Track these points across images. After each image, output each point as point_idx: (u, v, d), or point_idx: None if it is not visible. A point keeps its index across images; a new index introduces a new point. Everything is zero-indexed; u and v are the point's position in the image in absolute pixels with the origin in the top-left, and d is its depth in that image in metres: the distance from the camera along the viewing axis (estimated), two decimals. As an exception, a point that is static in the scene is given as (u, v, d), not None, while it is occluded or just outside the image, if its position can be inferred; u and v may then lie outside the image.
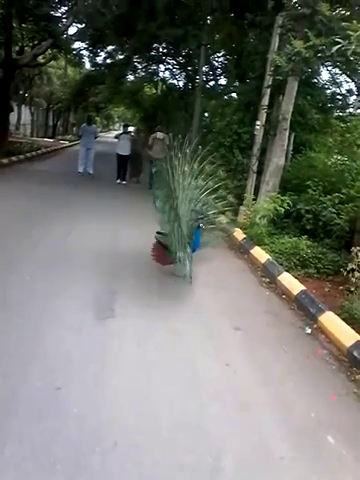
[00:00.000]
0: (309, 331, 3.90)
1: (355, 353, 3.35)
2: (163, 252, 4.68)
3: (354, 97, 9.93)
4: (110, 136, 24.55)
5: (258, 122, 7.61)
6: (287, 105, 6.92)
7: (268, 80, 7.28)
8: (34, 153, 16.03)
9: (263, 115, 7.55)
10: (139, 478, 2.09)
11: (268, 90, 7.42)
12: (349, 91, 10.11)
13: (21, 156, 14.17)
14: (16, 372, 2.75)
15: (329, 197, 6.12)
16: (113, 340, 3.33)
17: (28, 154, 15.11)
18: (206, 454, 2.28)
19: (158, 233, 4.79)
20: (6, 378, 2.68)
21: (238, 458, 2.29)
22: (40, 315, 3.57)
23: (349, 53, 4.33)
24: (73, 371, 2.85)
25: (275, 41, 7.21)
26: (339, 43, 4.42)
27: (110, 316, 3.70)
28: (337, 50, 4.38)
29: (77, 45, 19.58)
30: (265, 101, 7.53)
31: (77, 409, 2.48)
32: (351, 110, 10.19)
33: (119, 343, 3.30)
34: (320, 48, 5.21)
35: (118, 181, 11.65)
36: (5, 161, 12.42)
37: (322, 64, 8.68)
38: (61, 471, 2.05)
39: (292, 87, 6.79)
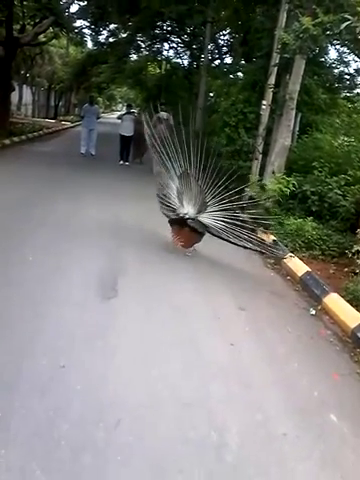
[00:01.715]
0: (313, 312, 3.89)
1: (359, 334, 3.35)
2: (185, 233, 4.68)
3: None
4: (112, 117, 24.29)
5: (264, 102, 7.49)
6: (294, 84, 6.78)
7: (275, 58, 7.14)
8: (36, 134, 15.87)
9: (269, 94, 7.42)
10: (143, 453, 2.10)
11: (275, 69, 7.28)
12: (357, 70, 9.95)
13: (23, 137, 14.04)
14: (21, 350, 2.76)
15: (335, 179, 6.03)
16: (116, 319, 3.34)
17: (30, 135, 14.97)
18: (210, 430, 2.29)
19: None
20: (11, 356, 2.69)
21: (242, 434, 2.30)
22: (44, 294, 3.57)
23: (358, 30, 4.20)
24: (77, 349, 2.85)
25: (283, 18, 7.03)
26: (348, 20, 4.28)
27: (113, 296, 3.69)
28: (346, 27, 4.26)
29: (79, 23, 19.12)
30: (271, 80, 7.39)
31: (81, 386, 2.49)
32: (359, 90, 10.03)
33: (123, 322, 3.30)
34: (328, 25, 5.07)
35: (121, 162, 11.54)
36: (7, 142, 12.31)
37: (330, 43, 8.48)
38: (66, 446, 2.07)
39: (299, 66, 6.65)
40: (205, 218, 4.73)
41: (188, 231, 4.79)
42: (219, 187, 4.61)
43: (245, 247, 4.73)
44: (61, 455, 2.03)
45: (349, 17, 4.48)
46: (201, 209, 4.73)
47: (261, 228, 4.79)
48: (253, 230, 4.68)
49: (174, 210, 4.87)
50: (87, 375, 2.60)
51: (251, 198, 5.02)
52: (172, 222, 4.91)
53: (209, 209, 4.72)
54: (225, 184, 4.59)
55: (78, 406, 2.34)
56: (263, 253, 4.79)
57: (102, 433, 2.18)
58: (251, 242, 4.64)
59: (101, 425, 2.23)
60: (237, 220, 4.65)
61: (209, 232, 4.81)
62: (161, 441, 2.19)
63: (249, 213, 4.74)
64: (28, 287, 3.65)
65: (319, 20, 4.89)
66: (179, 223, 4.80)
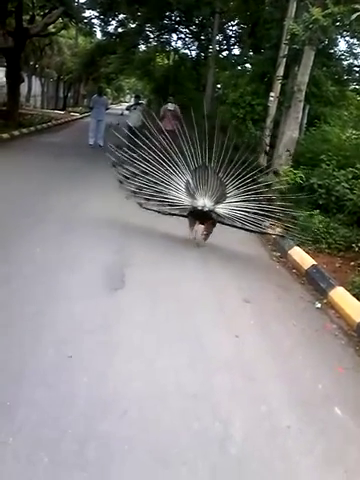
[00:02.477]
0: (319, 306, 3.89)
1: (365, 328, 3.35)
2: (208, 226, 4.87)
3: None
4: (121, 108, 24.19)
5: (272, 93, 7.44)
6: (303, 76, 6.72)
7: (284, 49, 7.07)
8: (45, 125, 15.88)
9: (278, 86, 7.37)
10: (149, 444, 2.13)
11: (283, 60, 7.21)
12: (367, 63, 9.80)
13: (32, 128, 14.07)
14: (27, 342, 2.79)
15: (343, 172, 5.99)
16: (123, 310, 3.37)
17: (39, 126, 14.98)
18: (214, 422, 2.31)
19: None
20: (17, 347, 2.72)
21: (246, 426, 2.32)
22: (51, 285, 3.60)
23: (370, 21, 4.16)
24: (84, 340, 2.88)
25: (292, 8, 6.95)
26: (358, 11, 4.22)
27: (120, 287, 3.72)
28: (357, 18, 4.20)
29: (88, 13, 19.07)
30: (280, 72, 7.34)
31: (87, 378, 2.51)
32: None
33: (129, 313, 3.33)
34: (339, 16, 5.02)
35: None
36: (16, 133, 12.34)
37: (339, 34, 8.36)
38: (72, 436, 2.10)
39: (308, 57, 6.57)
40: (221, 209, 4.81)
41: (210, 224, 4.90)
42: (242, 179, 4.73)
43: (261, 232, 5.04)
44: (67, 445, 2.06)
45: (359, 7, 4.41)
46: (219, 200, 4.81)
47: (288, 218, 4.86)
48: (279, 219, 4.81)
49: (172, 205, 4.93)
50: (93, 366, 2.63)
51: (268, 186, 5.04)
52: (192, 215, 4.93)
53: (228, 200, 4.81)
54: (251, 177, 4.73)
55: (84, 397, 2.37)
56: (283, 237, 5.01)
57: (108, 424, 2.21)
58: (271, 228, 4.87)
59: (107, 417, 2.25)
60: (262, 210, 4.76)
61: (220, 222, 4.90)
62: (165, 433, 2.21)
63: (278, 205, 4.83)
64: (34, 278, 3.68)
65: (329, 11, 4.83)
66: (200, 216, 4.86)
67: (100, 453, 2.04)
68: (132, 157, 5.04)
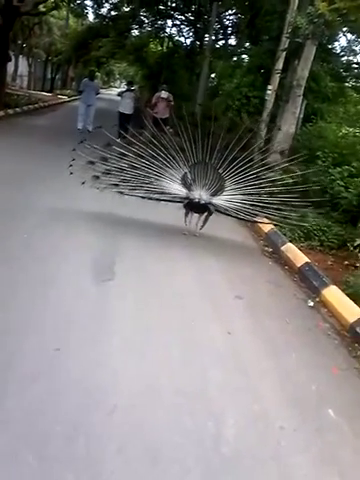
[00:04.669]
0: (311, 304, 3.85)
1: (358, 329, 3.32)
2: (203, 217, 4.91)
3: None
4: (111, 93, 23.81)
5: (270, 86, 7.34)
6: (303, 70, 6.64)
7: (284, 42, 6.95)
8: (31, 106, 15.46)
9: (276, 79, 7.27)
10: (139, 441, 2.05)
11: (283, 53, 7.10)
12: (366, 60, 9.78)
13: (18, 109, 13.66)
14: (15, 333, 2.67)
15: (338, 169, 5.96)
16: (113, 302, 3.27)
17: (25, 107, 14.56)
18: (207, 420, 2.25)
19: None
20: (5, 338, 2.60)
21: (239, 426, 2.26)
22: (39, 275, 3.47)
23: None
24: (72, 333, 2.78)
25: (295, 0, 6.82)
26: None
27: (110, 278, 3.61)
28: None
29: (81, -6, 18.58)
30: (279, 65, 7.23)
31: (76, 371, 2.42)
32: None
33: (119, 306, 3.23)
34: (344, 11, 4.94)
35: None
36: (1, 113, 11.95)
37: (341, 30, 8.29)
38: (60, 433, 2.01)
39: (310, 51, 6.50)
40: (218, 200, 4.84)
41: (207, 215, 4.94)
42: (244, 174, 4.79)
43: (255, 222, 5.21)
44: (55, 442, 1.97)
45: None
46: (215, 193, 4.84)
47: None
48: (278, 209, 4.83)
49: (162, 192, 4.88)
50: (82, 360, 2.54)
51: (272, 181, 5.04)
52: (187, 206, 4.93)
53: (226, 193, 4.84)
54: (256, 173, 4.80)
55: (73, 391, 2.28)
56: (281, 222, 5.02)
57: (97, 419, 2.13)
58: (269, 217, 4.93)
59: (96, 412, 2.17)
60: (261, 202, 4.83)
61: (217, 211, 4.92)
62: (156, 430, 2.14)
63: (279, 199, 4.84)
64: (21, 267, 3.53)
65: (336, 6, 4.74)
66: (196, 208, 4.88)
67: (89, 450, 1.96)
68: (121, 153, 4.94)
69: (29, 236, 4.18)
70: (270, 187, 4.88)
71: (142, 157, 4.88)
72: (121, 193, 4.97)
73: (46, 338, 2.68)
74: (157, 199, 4.97)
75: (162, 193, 4.89)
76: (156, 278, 3.81)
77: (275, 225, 5.21)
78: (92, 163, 4.89)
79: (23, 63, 26.58)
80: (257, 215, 4.94)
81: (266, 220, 5.07)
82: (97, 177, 4.87)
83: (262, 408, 2.43)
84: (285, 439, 2.25)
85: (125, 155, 4.92)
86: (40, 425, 2.04)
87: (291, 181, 4.75)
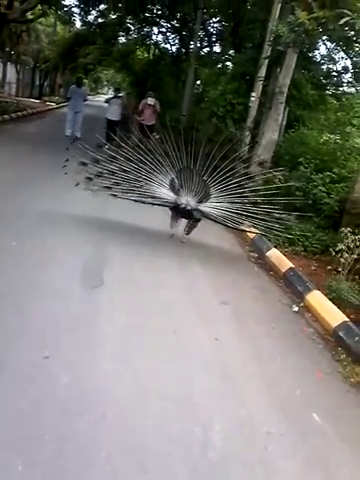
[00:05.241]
0: (296, 309, 3.93)
1: (341, 333, 3.39)
2: (189, 223, 5.00)
3: (349, 75, 9.80)
4: (99, 100, 23.82)
5: (253, 94, 7.45)
6: (285, 78, 6.76)
7: (267, 50, 7.08)
8: (20, 113, 15.40)
9: (259, 87, 7.39)
10: (128, 448, 2.09)
11: (266, 61, 7.22)
12: (345, 68, 9.95)
13: (6, 116, 13.62)
14: (3, 340, 2.70)
15: (320, 175, 6.07)
16: (102, 309, 3.31)
17: (13, 114, 14.51)
18: (194, 426, 2.29)
19: None
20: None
21: (226, 431, 2.31)
22: (29, 281, 3.50)
23: (358, 26, 4.20)
24: (61, 340, 2.82)
25: (276, 9, 6.96)
26: (348, 15, 4.25)
27: (99, 285, 3.66)
28: (344, 23, 4.23)
29: (68, 1, 18.74)
30: (262, 72, 7.35)
31: (64, 378, 2.45)
32: (345, 88, 10.06)
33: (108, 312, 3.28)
34: (323, 20, 5.05)
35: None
36: (-10, 120, 11.95)
37: (320, 39, 8.45)
38: (50, 440, 2.04)
39: (291, 59, 6.63)
40: (205, 207, 4.91)
41: (193, 222, 5.02)
42: (227, 182, 4.85)
43: (241, 230, 5.24)
44: (43, 449, 2.00)
45: (348, 13, 4.44)
46: (202, 200, 4.91)
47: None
48: (263, 219, 4.87)
49: (153, 197, 4.96)
50: (71, 366, 2.57)
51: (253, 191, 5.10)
52: (175, 212, 5.01)
53: (212, 200, 4.91)
54: (238, 182, 4.86)
55: (62, 398, 2.31)
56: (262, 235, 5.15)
57: (87, 427, 2.16)
58: (255, 226, 4.98)
59: (85, 419, 2.20)
60: (246, 212, 4.87)
61: (205, 217, 4.98)
62: (144, 436, 2.18)
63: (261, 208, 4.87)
64: (9, 274, 3.56)
65: (315, 15, 4.85)
66: (183, 213, 4.95)
67: (77, 457, 1.99)
68: (111, 156, 5.02)
69: (18, 243, 4.19)
70: (253, 197, 4.95)
71: (131, 161, 4.95)
72: (114, 196, 5.03)
73: (34, 345, 2.70)
74: (150, 203, 5.04)
75: (153, 197, 4.96)
76: (144, 285, 3.86)
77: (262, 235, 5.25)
78: (85, 164, 4.97)
79: (11, 70, 26.44)
80: (242, 223, 5.00)
81: (253, 229, 5.12)
82: (90, 179, 4.95)
83: (248, 413, 2.48)
84: (272, 444, 2.29)
85: (115, 158, 4.99)
86: (28, 432, 2.07)
87: (273, 191, 4.82)
